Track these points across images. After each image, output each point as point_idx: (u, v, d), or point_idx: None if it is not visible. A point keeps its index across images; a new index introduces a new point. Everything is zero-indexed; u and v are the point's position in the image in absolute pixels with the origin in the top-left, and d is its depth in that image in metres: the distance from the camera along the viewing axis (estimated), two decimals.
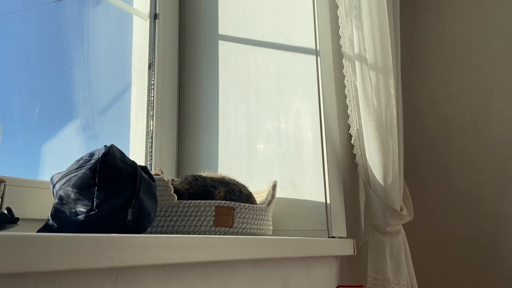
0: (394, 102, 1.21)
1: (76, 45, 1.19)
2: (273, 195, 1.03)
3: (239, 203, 0.95)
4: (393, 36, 1.34)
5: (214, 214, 0.89)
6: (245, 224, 0.94)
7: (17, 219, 0.64)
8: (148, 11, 1.35)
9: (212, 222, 0.89)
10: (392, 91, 1.20)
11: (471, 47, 1.59)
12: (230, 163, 1.27)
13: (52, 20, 1.16)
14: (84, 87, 1.19)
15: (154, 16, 1.35)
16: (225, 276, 0.77)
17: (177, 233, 0.87)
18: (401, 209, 1.22)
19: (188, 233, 0.88)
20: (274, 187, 1.05)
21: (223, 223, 0.90)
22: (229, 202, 0.94)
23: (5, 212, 0.62)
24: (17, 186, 0.86)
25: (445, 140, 1.59)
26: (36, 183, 0.90)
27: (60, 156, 1.11)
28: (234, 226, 0.92)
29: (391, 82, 1.20)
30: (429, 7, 1.69)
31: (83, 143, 1.18)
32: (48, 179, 0.72)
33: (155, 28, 1.34)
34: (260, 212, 0.98)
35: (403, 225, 1.24)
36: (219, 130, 1.30)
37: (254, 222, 0.96)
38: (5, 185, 0.71)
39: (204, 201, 0.91)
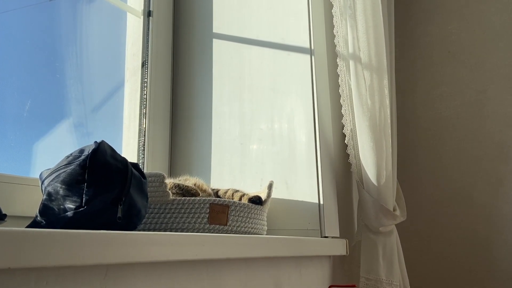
0: (388, 102, 1.21)
1: (69, 42, 1.18)
2: (268, 195, 1.03)
3: (234, 200, 0.94)
4: (388, 36, 1.34)
5: (208, 211, 0.89)
6: (239, 223, 0.93)
7: (5, 215, 0.63)
8: (142, 8, 1.34)
9: (206, 219, 0.88)
10: (386, 91, 1.20)
11: (465, 48, 1.60)
12: (223, 162, 1.26)
13: (45, 17, 1.15)
14: (77, 84, 1.18)
15: (147, 14, 1.34)
16: (216, 275, 0.77)
17: (171, 230, 0.87)
18: (394, 209, 1.22)
19: (182, 230, 0.87)
20: (270, 186, 1.04)
21: (218, 220, 0.90)
22: (223, 199, 0.93)
23: None
24: (7, 183, 0.85)
25: (439, 140, 1.59)
26: (27, 180, 0.89)
27: (52, 154, 1.10)
28: (228, 224, 0.91)
29: (385, 82, 1.20)
30: (423, 8, 1.70)
31: (75, 141, 1.17)
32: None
33: (148, 26, 1.33)
34: (255, 211, 0.98)
35: (396, 225, 1.24)
36: (213, 129, 1.30)
37: (248, 221, 0.96)
38: None
39: (198, 198, 0.90)
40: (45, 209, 0.62)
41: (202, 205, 0.89)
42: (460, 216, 1.50)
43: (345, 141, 1.24)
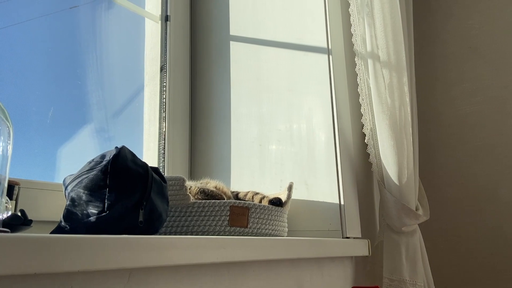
0: (408, 100, 1.19)
1: (89, 49, 1.20)
2: (289, 196, 1.03)
3: (254, 203, 0.94)
4: (406, 33, 1.32)
5: (229, 214, 0.89)
6: (260, 225, 0.93)
7: (31, 221, 0.65)
8: (160, 13, 1.36)
9: (227, 222, 0.89)
10: (406, 89, 1.19)
11: (486, 43, 1.56)
12: (242, 164, 1.26)
13: (65, 25, 1.17)
14: (98, 90, 1.20)
15: (165, 18, 1.35)
16: (237, 277, 0.77)
17: (192, 233, 0.87)
18: (417, 209, 1.20)
19: (203, 233, 0.87)
20: (290, 188, 1.04)
21: (238, 223, 0.90)
22: (243, 201, 0.93)
23: (19, 214, 0.63)
24: (32, 189, 0.87)
25: (461, 138, 1.56)
26: (51, 185, 0.91)
27: (76, 159, 1.12)
28: (249, 226, 0.91)
29: (405, 79, 1.19)
30: (443, 3, 1.67)
31: (97, 146, 1.19)
32: None
33: (166, 30, 1.34)
34: (276, 212, 0.98)
35: (419, 224, 1.22)
36: (231, 131, 1.30)
37: (269, 223, 0.96)
38: (19, 187, 0.72)
39: (219, 201, 0.90)
40: (69, 214, 0.64)
41: (222, 207, 0.89)
42: (486, 215, 1.47)
43: (365, 141, 1.23)
